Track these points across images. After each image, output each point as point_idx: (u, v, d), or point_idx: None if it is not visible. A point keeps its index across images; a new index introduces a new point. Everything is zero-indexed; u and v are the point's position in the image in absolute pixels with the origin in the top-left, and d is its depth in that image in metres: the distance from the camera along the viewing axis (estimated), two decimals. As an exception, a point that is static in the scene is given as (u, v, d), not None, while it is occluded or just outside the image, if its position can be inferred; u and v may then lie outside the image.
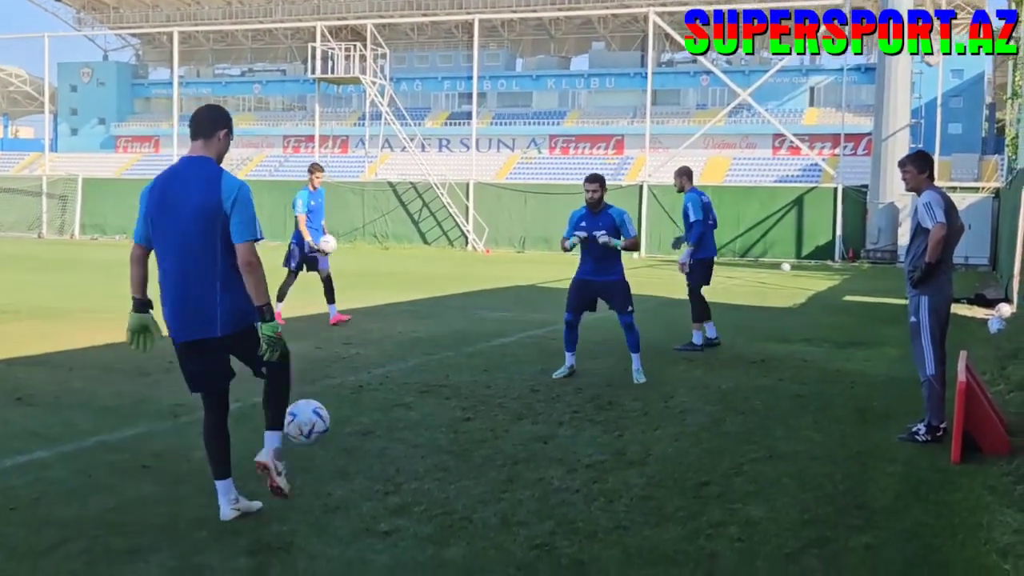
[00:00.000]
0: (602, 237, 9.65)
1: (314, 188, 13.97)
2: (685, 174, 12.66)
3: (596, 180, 9.84)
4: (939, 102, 42.83)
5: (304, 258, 13.89)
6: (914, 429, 7.55)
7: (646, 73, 46.50)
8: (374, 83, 46.27)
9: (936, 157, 31.72)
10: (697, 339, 12.22)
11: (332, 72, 47.13)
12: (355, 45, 46.20)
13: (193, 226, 4.99)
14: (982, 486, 6.29)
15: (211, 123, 5.19)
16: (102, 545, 4.88)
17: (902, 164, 7.77)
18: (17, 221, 47.26)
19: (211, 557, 4.75)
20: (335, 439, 7.18)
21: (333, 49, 46.56)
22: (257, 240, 5.07)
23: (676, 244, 12.81)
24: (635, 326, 9.94)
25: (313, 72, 48.54)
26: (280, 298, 13.65)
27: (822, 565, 4.85)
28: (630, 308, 9.91)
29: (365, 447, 7.00)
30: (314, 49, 46.99)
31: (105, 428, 7.39)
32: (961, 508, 5.85)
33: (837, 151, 48.59)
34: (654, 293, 20.48)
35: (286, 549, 4.89)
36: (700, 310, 12.38)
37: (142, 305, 5.24)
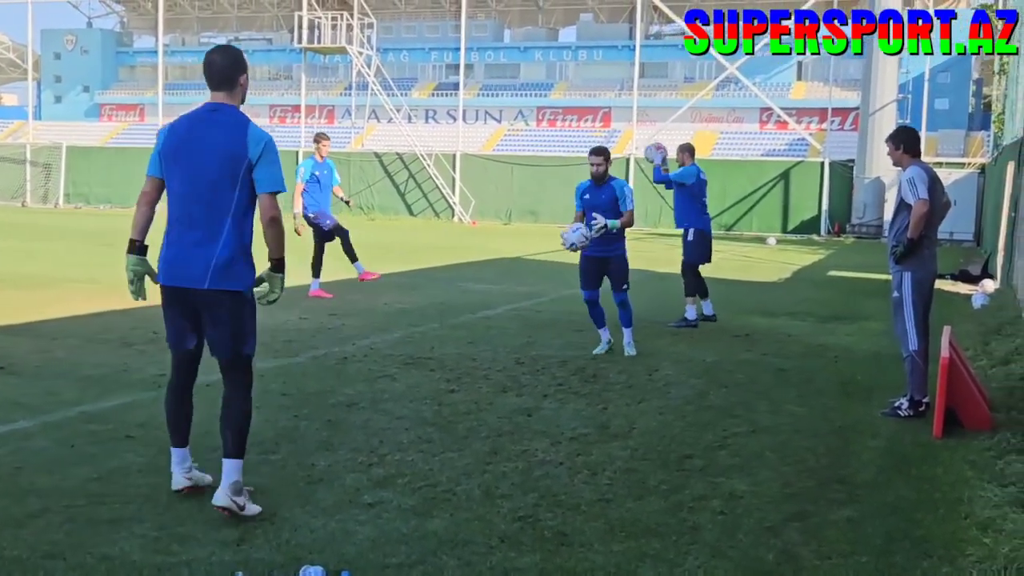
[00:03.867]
0: (597, 227, 9.56)
1: (321, 159, 13.80)
2: (688, 150, 12.68)
3: (601, 153, 9.71)
4: (926, 77, 42.76)
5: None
6: (896, 404, 7.59)
7: (634, 45, 46.32)
8: (361, 53, 46.00)
9: (923, 133, 31.60)
10: (691, 314, 12.16)
11: (318, 41, 46.82)
12: (342, 14, 45.88)
13: (214, 172, 4.83)
14: (963, 461, 6.32)
15: (231, 70, 4.97)
16: (84, 515, 4.87)
17: (888, 140, 7.77)
18: (1, 190, 46.96)
19: (194, 527, 4.74)
20: (319, 410, 7.19)
21: (320, 18, 46.23)
22: (281, 192, 4.97)
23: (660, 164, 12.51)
24: (629, 303, 9.92)
25: (299, 41, 48.18)
26: (316, 273, 13.60)
27: (803, 538, 4.87)
28: (625, 286, 9.90)
29: (349, 419, 7.00)
30: (300, 18, 46.64)
31: (88, 398, 7.37)
32: (942, 483, 5.88)
33: (824, 126, 48.54)
34: (642, 267, 20.48)
35: (270, 520, 4.89)
36: (695, 285, 12.32)
37: (142, 249, 5.07)
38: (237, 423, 5.00)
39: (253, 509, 4.90)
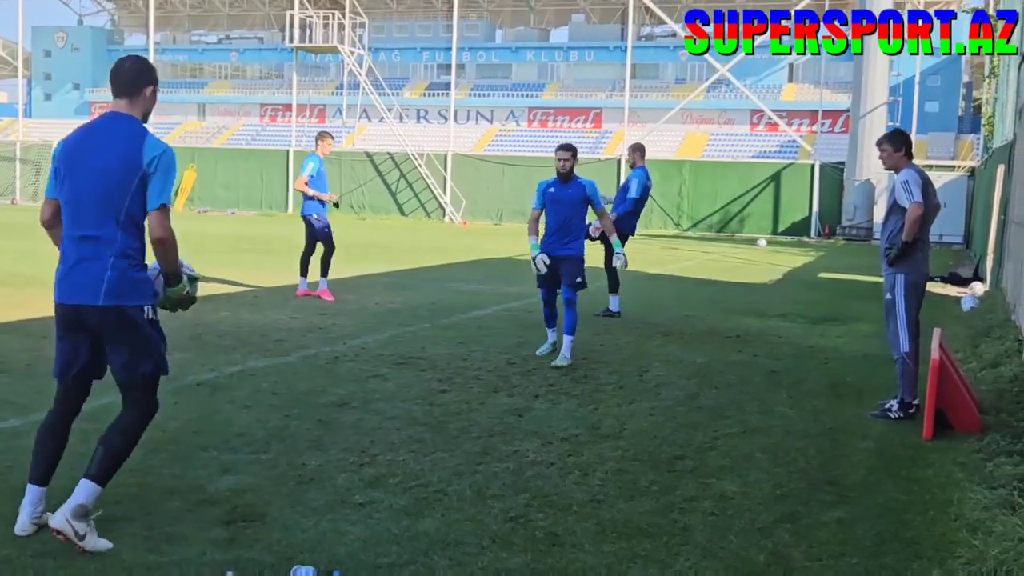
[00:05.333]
0: (618, 261, 10.03)
1: (324, 156, 13.75)
2: (639, 150, 13.01)
3: (568, 149, 9.70)
4: (917, 80, 42.90)
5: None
6: (887, 406, 7.61)
7: (626, 46, 46.38)
8: (352, 52, 45.98)
9: (913, 135, 31.70)
10: (614, 305, 12.52)
11: (310, 41, 46.80)
12: (334, 13, 45.87)
13: (102, 182, 4.49)
14: (953, 463, 6.34)
15: (135, 79, 4.64)
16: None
17: (880, 143, 7.79)
18: (-10, 187, 46.81)
19: (184, 527, 4.73)
20: (310, 410, 7.18)
21: (311, 17, 46.19)
22: (168, 207, 4.59)
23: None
24: (575, 305, 9.54)
25: (291, 40, 48.19)
26: (324, 273, 13.55)
27: (794, 540, 4.88)
28: (579, 279, 9.53)
29: (340, 418, 6.99)
30: (292, 17, 46.59)
31: (78, 397, 7.32)
32: (932, 485, 5.90)
33: (815, 128, 48.62)
34: (629, 268, 20.48)
35: (260, 519, 4.88)
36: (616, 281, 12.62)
37: None
38: (113, 444, 4.58)
39: (97, 543, 4.40)
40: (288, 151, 44.74)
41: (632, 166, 12.76)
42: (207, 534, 4.65)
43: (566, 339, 9.49)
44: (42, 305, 11.77)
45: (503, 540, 4.72)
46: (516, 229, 36.46)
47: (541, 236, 9.82)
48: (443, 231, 34.25)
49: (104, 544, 4.43)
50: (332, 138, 14.04)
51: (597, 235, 11.83)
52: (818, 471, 6.12)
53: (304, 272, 13.73)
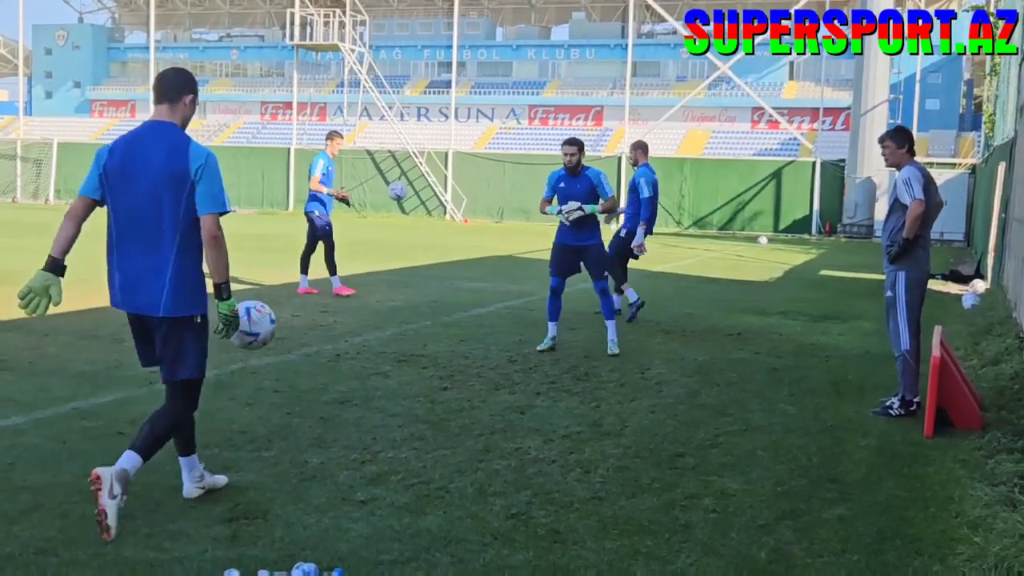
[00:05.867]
0: (573, 213, 9.64)
1: (333, 155, 13.75)
2: (641, 148, 12.79)
3: (574, 144, 9.80)
4: (918, 77, 42.88)
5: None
6: (888, 403, 7.62)
7: (626, 44, 46.36)
8: (353, 50, 45.95)
9: (914, 133, 31.68)
10: (632, 295, 12.37)
11: (311, 39, 46.78)
12: (334, 11, 45.84)
13: (154, 194, 4.69)
14: (954, 460, 6.35)
15: (178, 87, 4.88)
16: (77, 511, 4.86)
17: (882, 140, 7.79)
18: (-9, 185, 46.81)
19: (187, 524, 4.74)
20: (312, 408, 7.19)
21: (312, 15, 46.17)
22: (224, 213, 4.83)
23: (609, 219, 12.91)
24: (610, 293, 9.96)
25: (291, 38, 48.15)
26: (333, 271, 13.63)
27: (795, 536, 4.89)
28: (605, 274, 9.99)
29: (342, 416, 7.00)
30: (292, 15, 46.57)
31: (80, 394, 7.36)
32: (933, 482, 5.91)
33: (816, 125, 48.62)
34: (630, 266, 20.47)
35: (263, 517, 4.89)
36: (623, 276, 12.54)
37: (55, 265, 4.82)
38: (157, 426, 4.88)
39: (114, 516, 4.54)
40: (289, 149, 44.74)
41: (635, 164, 12.70)
42: (209, 531, 4.67)
43: (609, 327, 9.93)
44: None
45: (505, 537, 4.73)
46: (517, 227, 36.49)
47: (556, 230, 10.04)
48: (444, 229, 34.25)
49: (114, 519, 4.54)
50: (342, 137, 14.04)
51: (641, 253, 12.33)
52: (819, 468, 6.13)
53: (304, 270, 13.74)
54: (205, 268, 4.82)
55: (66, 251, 4.89)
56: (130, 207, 4.76)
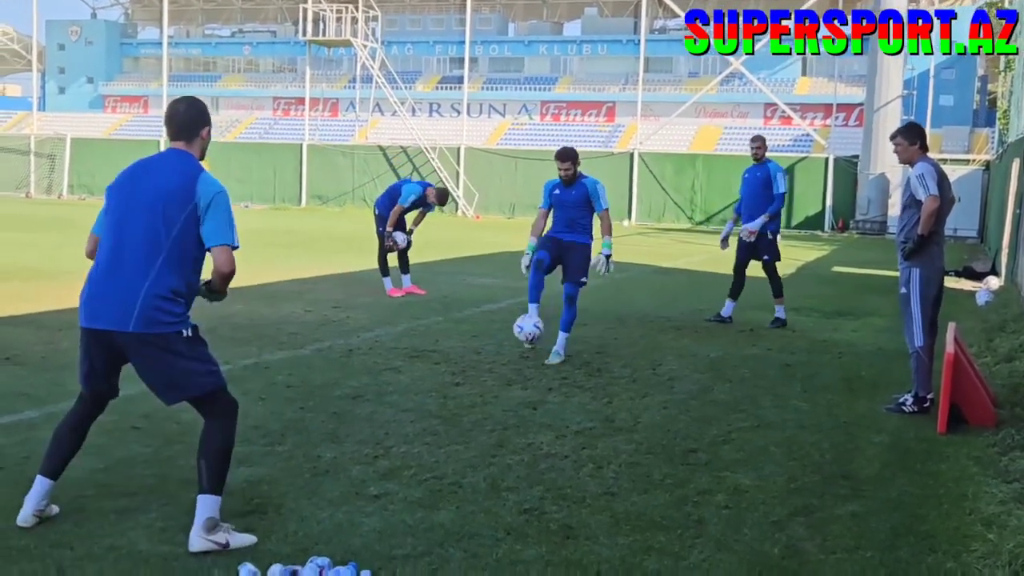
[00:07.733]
0: (600, 266, 9.48)
1: (425, 202, 13.74)
2: (759, 140, 12.37)
3: (568, 159, 9.35)
4: (931, 73, 42.72)
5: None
6: (901, 400, 7.60)
7: (638, 40, 46.29)
8: (365, 46, 45.98)
9: (927, 129, 31.55)
10: (780, 312, 12.10)
11: (323, 34, 46.81)
12: (347, 7, 45.86)
13: (151, 210, 4.46)
14: (967, 457, 6.33)
15: (191, 124, 4.68)
16: (91, 505, 4.89)
17: (893, 137, 7.76)
18: (4, 181, 47.00)
19: (201, 518, 4.75)
20: (324, 403, 7.20)
21: (324, 11, 46.20)
22: (235, 248, 4.57)
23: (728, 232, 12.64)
24: (576, 303, 9.42)
25: (304, 34, 48.21)
26: (385, 272, 13.72)
27: (808, 533, 4.88)
28: (582, 280, 9.42)
29: (355, 411, 7.01)
30: (305, 10, 46.62)
31: (94, 389, 7.36)
32: (946, 479, 5.89)
33: (829, 121, 48.49)
34: (643, 261, 20.50)
35: (276, 511, 4.90)
36: (778, 285, 12.22)
37: None
38: (209, 455, 4.57)
39: (242, 539, 4.48)
40: (301, 145, 44.79)
41: (759, 160, 12.31)
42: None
43: (560, 336, 9.30)
44: (56, 298, 11.86)
45: (517, 532, 4.73)
46: (529, 223, 36.40)
47: (548, 228, 9.73)
48: (456, 225, 34.24)
49: (248, 539, 4.50)
50: (448, 197, 14.07)
51: (749, 240, 12.00)
52: (832, 465, 6.12)
53: (384, 271, 13.79)
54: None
55: None
56: (122, 220, 4.55)
